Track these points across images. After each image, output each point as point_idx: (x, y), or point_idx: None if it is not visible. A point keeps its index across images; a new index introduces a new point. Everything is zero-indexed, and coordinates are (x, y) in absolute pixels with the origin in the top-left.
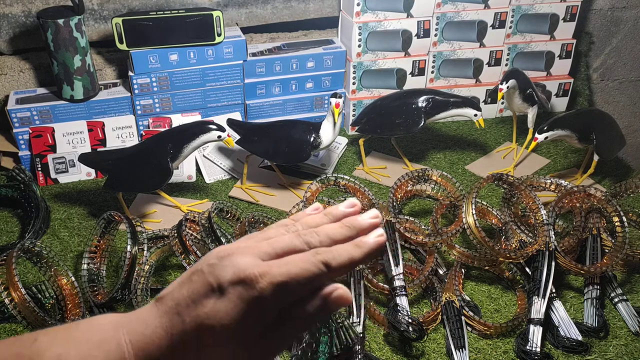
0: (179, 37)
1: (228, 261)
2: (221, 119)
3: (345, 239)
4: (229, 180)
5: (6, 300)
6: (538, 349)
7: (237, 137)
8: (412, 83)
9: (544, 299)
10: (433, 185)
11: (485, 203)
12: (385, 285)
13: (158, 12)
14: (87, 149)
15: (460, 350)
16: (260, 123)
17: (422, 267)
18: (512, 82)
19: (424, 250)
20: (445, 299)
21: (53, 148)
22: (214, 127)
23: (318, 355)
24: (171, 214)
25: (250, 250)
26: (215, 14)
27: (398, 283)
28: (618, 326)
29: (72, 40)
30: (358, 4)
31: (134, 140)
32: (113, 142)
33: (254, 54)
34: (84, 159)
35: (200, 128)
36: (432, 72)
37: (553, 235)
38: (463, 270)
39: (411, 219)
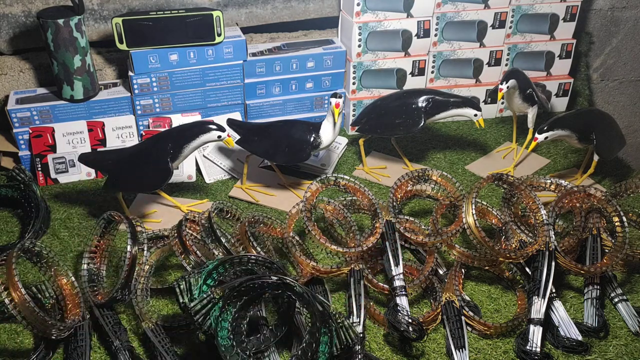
0: (179, 37)
1: None
2: (221, 119)
3: None
4: (229, 180)
5: (6, 300)
6: (538, 349)
7: (237, 137)
8: (412, 83)
9: (544, 299)
10: (433, 185)
11: (485, 203)
12: (385, 285)
13: (158, 12)
14: (87, 149)
15: (460, 350)
16: (260, 123)
17: (422, 267)
18: (512, 82)
19: (424, 250)
20: (445, 299)
21: (53, 148)
22: (214, 127)
23: (318, 355)
24: (171, 214)
25: None
26: (215, 14)
27: (398, 283)
28: (618, 326)
29: (72, 40)
30: (358, 4)
31: (134, 140)
32: (113, 142)
33: (254, 54)
34: (84, 159)
35: (200, 128)
36: (432, 72)
37: (553, 235)
38: (463, 270)
39: (411, 219)
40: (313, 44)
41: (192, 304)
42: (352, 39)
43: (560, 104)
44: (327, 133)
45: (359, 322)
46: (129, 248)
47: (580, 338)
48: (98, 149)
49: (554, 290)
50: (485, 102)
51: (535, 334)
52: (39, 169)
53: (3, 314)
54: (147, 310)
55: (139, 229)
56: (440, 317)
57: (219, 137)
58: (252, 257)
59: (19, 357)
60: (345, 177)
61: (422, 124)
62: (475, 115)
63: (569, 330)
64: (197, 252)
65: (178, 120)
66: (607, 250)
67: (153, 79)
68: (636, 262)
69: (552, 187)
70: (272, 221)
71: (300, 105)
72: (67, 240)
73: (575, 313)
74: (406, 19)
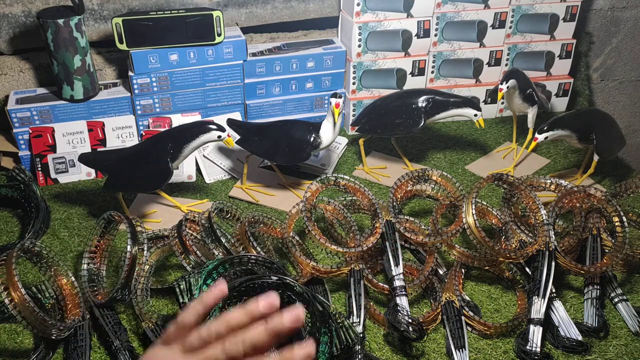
0: (179, 37)
1: None
2: (221, 119)
3: (269, 345)
4: (229, 180)
5: (6, 300)
6: (538, 349)
7: (237, 137)
8: (412, 83)
9: (544, 299)
10: (433, 185)
11: (485, 203)
12: (385, 285)
13: (158, 12)
14: (87, 149)
15: (460, 350)
16: (260, 123)
17: (422, 267)
18: (512, 82)
19: (424, 250)
20: (445, 299)
21: (53, 148)
22: (214, 127)
23: (318, 356)
24: (171, 214)
25: None
26: (215, 14)
27: (398, 283)
28: (618, 326)
29: (72, 40)
30: (358, 4)
31: (134, 140)
32: (113, 142)
33: (254, 54)
34: (84, 159)
35: (200, 128)
36: (432, 72)
37: (553, 235)
38: (463, 270)
39: (411, 219)
40: (313, 44)
41: None
42: (352, 39)
43: (560, 104)
44: (327, 133)
45: (359, 322)
46: (129, 248)
47: (580, 338)
48: (98, 149)
49: (554, 290)
50: (485, 102)
51: (535, 334)
52: (39, 169)
53: (3, 314)
54: (147, 310)
55: (139, 229)
56: (440, 317)
57: (219, 137)
58: (252, 257)
59: (19, 357)
60: (345, 177)
61: (422, 124)
62: (475, 115)
63: (569, 330)
64: (197, 252)
65: (178, 120)
66: (607, 250)
67: (153, 79)
68: (636, 262)
69: (552, 187)
70: (272, 221)
71: (300, 105)
72: (67, 240)
73: (575, 313)
74: (406, 19)
